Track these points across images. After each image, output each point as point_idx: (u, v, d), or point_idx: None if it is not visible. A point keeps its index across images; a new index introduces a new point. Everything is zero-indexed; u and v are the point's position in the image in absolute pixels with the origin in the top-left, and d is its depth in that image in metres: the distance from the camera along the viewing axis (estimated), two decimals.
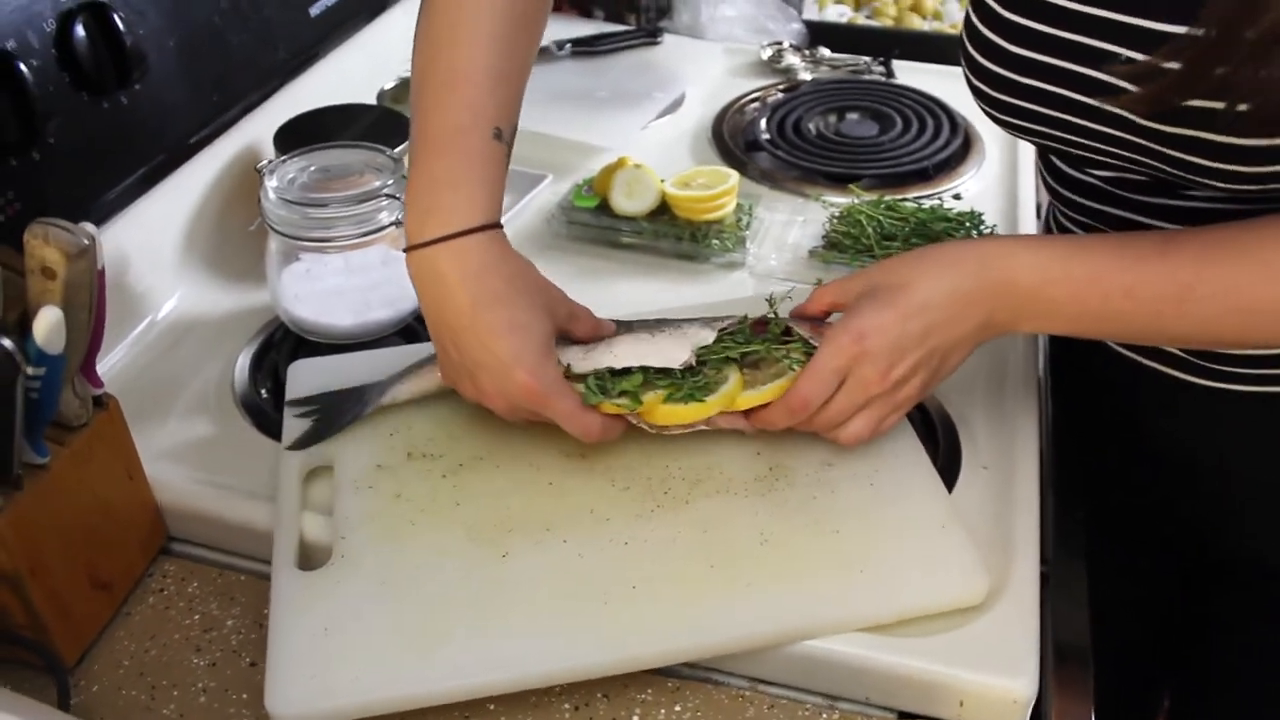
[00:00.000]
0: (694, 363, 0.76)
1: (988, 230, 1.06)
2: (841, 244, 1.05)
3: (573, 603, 0.69)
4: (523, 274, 0.76)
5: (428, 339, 0.94)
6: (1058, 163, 0.84)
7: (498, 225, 0.76)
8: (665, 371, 0.76)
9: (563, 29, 1.42)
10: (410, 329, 0.96)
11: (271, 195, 0.89)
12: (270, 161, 0.92)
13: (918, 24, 1.54)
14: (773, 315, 0.80)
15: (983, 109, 0.79)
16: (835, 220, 1.08)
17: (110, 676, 0.74)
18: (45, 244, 0.63)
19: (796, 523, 0.74)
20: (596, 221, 1.08)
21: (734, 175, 1.06)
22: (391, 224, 0.91)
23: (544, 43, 1.37)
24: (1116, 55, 0.66)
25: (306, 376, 0.88)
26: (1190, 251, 0.69)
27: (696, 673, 0.72)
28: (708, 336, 0.77)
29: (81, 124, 0.85)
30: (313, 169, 0.92)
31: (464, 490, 0.77)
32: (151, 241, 0.99)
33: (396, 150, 1.03)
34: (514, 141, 0.79)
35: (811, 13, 1.58)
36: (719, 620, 0.68)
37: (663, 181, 1.08)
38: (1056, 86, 0.71)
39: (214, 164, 1.04)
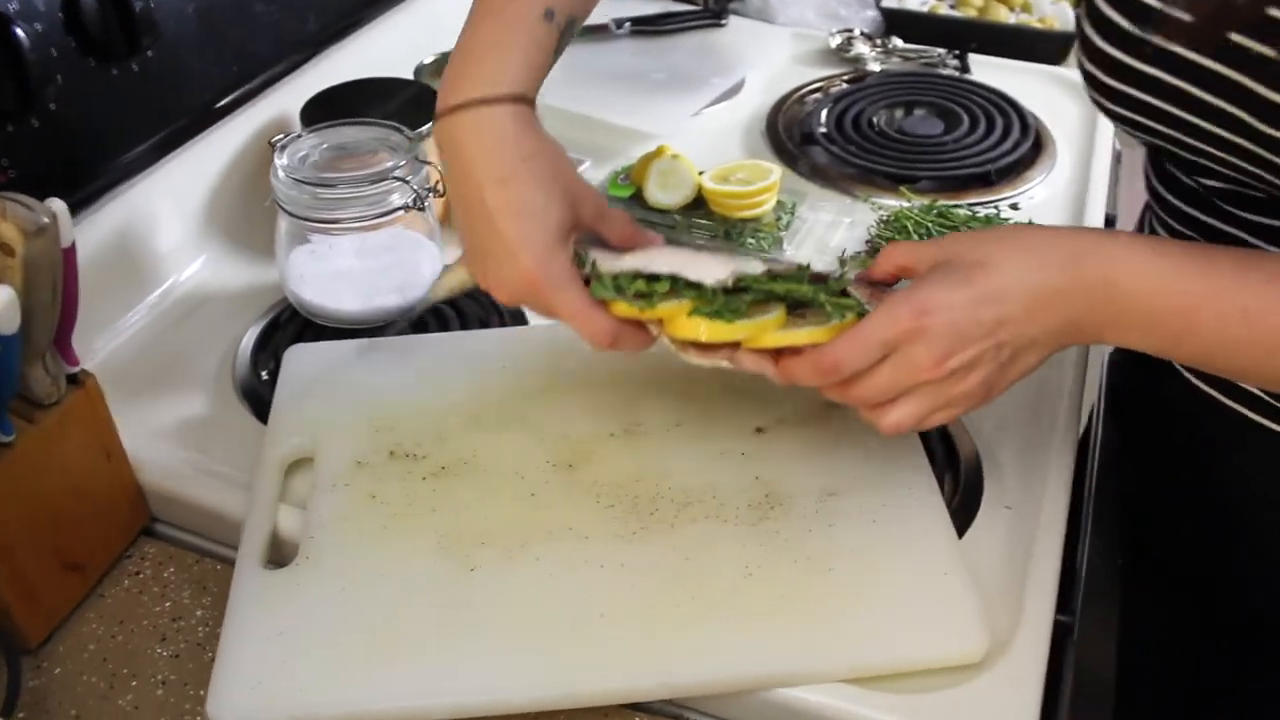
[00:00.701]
0: (730, 285, 0.67)
1: None
2: None
3: (536, 627, 0.65)
4: (543, 154, 0.69)
5: (438, 329, 0.92)
6: (1169, 165, 0.76)
7: (527, 100, 0.70)
8: (698, 289, 0.68)
9: (625, 6, 1.37)
10: (419, 317, 0.92)
11: (281, 173, 0.86)
12: (285, 136, 0.89)
13: (1003, 16, 1.45)
14: (838, 274, 0.70)
15: (1093, 98, 0.72)
16: (881, 225, 1.02)
17: (74, 660, 0.72)
18: (2, 220, 0.61)
19: (787, 557, 0.68)
20: (629, 212, 1.02)
21: (776, 171, 1.00)
22: (402, 207, 0.87)
23: (603, 20, 1.33)
24: (1245, 49, 0.59)
25: (303, 362, 0.85)
26: None
27: (667, 708, 0.67)
28: (755, 267, 0.68)
29: (88, 90, 0.83)
30: (325, 146, 0.89)
31: (441, 495, 0.73)
32: (171, 207, 0.97)
33: (425, 128, 1.00)
34: (571, 31, 0.74)
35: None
36: (689, 659, 0.64)
37: (701, 174, 1.03)
38: (1175, 78, 0.64)
39: (240, 134, 1.01)
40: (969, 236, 0.66)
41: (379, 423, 0.79)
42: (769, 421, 0.77)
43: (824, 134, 1.18)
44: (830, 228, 1.04)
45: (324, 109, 1.01)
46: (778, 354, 0.67)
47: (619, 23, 1.33)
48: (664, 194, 1.01)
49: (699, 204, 1.01)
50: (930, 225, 0.98)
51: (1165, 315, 0.62)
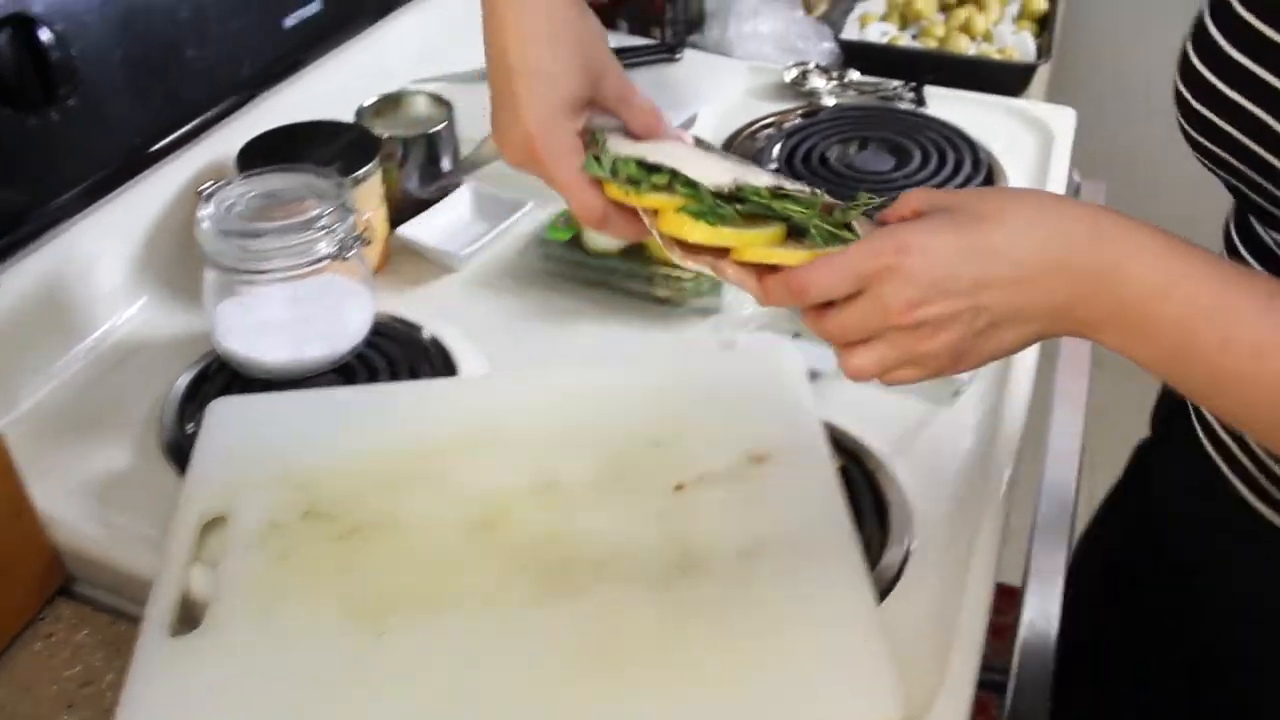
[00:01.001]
0: (726, 191, 0.64)
1: None
2: None
3: (442, 699, 0.64)
4: (573, 22, 0.68)
5: (366, 379, 0.90)
6: (1252, 218, 0.72)
7: None
8: (694, 187, 0.65)
9: None
10: (348, 367, 0.91)
11: (205, 224, 0.85)
12: (212, 184, 0.88)
13: (964, 45, 1.44)
14: (854, 206, 0.65)
15: (1180, 124, 0.69)
16: None
17: None
18: None
19: (699, 622, 0.67)
20: (569, 256, 1.02)
21: None
22: (328, 256, 0.86)
23: None
24: None
25: (225, 417, 0.84)
26: None
27: None
28: (763, 180, 0.65)
29: (5, 140, 0.82)
30: (252, 194, 0.88)
31: (354, 557, 0.72)
32: (105, 253, 0.96)
33: (361, 171, 0.99)
34: None
35: (852, 31, 1.48)
36: None
37: None
38: (1267, 113, 0.62)
39: (177, 178, 1.00)
40: (990, 190, 0.62)
41: (296, 480, 0.77)
42: (690, 477, 0.75)
43: (774, 171, 1.16)
44: None
45: (262, 153, 1.00)
46: (764, 273, 0.64)
47: None
48: (602, 238, 1.00)
49: (639, 247, 1.00)
50: None
51: (1164, 324, 0.56)
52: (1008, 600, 0.82)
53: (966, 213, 0.59)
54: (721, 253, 0.65)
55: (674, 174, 0.65)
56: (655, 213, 0.66)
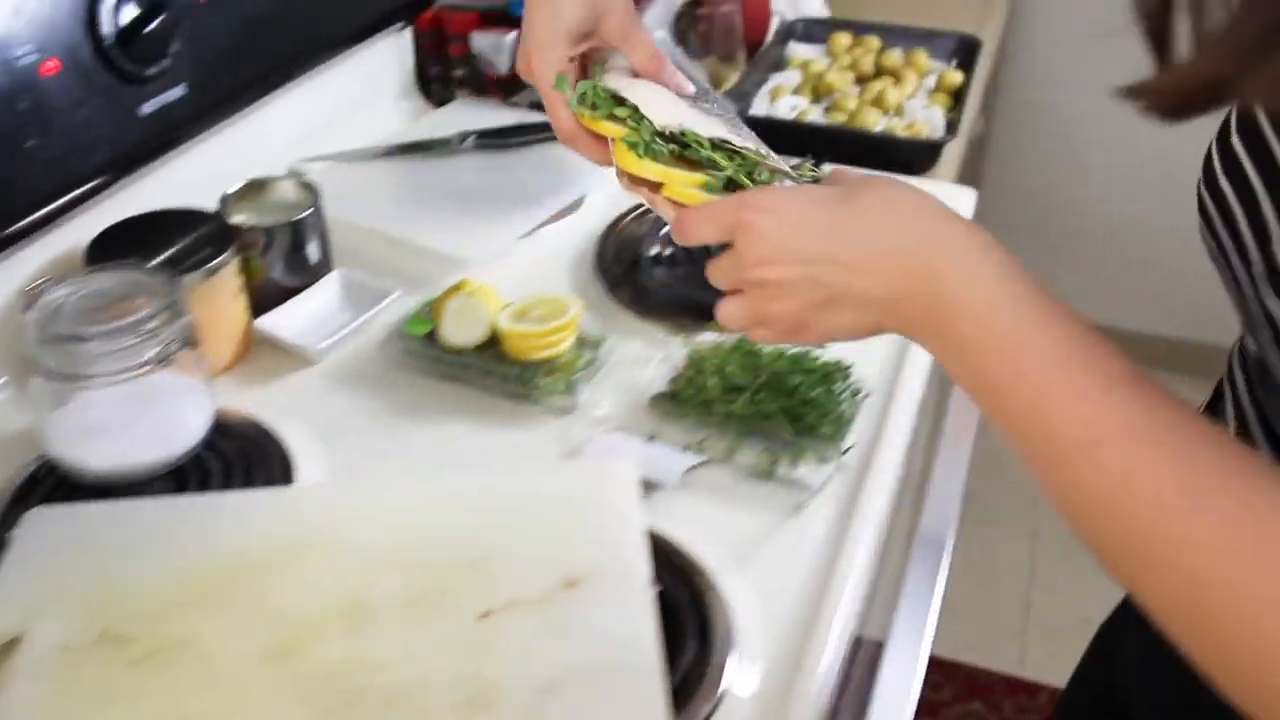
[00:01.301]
0: (668, 133, 0.71)
1: (859, 394, 0.95)
2: (684, 394, 0.95)
3: None
4: None
5: (199, 485, 0.88)
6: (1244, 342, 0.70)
7: None
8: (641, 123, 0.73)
9: (472, 118, 1.34)
10: (182, 471, 0.88)
11: (27, 328, 0.83)
12: (40, 283, 0.86)
13: (872, 119, 1.42)
14: (786, 173, 0.70)
15: (1200, 223, 0.67)
16: (689, 363, 0.98)
17: None
18: None
19: None
20: (426, 351, 0.99)
21: (574, 307, 0.97)
22: (152, 361, 0.83)
23: (447, 133, 1.30)
24: None
25: (40, 528, 0.81)
26: (1162, 407, 0.50)
27: None
28: (710, 128, 0.70)
29: None
30: (81, 294, 0.85)
31: (146, 685, 0.69)
32: None
33: (216, 262, 0.97)
34: None
35: (763, 105, 1.47)
36: None
37: (507, 306, 0.99)
38: (1241, 204, 0.60)
39: (25, 270, 0.98)
40: (884, 178, 0.64)
41: (99, 599, 0.75)
42: (499, 603, 0.73)
43: (653, 256, 1.15)
44: (639, 366, 1.00)
45: (113, 244, 0.99)
46: None
47: (463, 136, 1.29)
48: (458, 333, 0.97)
49: (494, 343, 0.98)
50: (729, 365, 0.95)
51: (962, 343, 0.55)
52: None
53: (841, 190, 0.62)
54: (658, 188, 0.71)
55: (635, 109, 0.73)
56: (617, 143, 0.73)
